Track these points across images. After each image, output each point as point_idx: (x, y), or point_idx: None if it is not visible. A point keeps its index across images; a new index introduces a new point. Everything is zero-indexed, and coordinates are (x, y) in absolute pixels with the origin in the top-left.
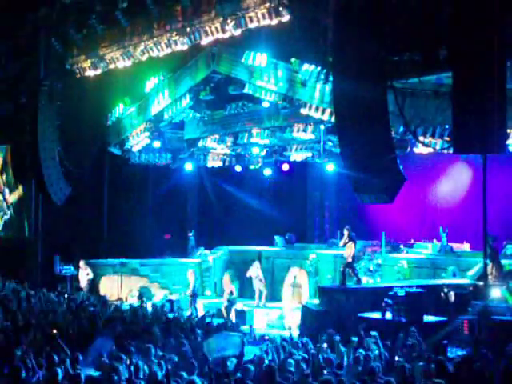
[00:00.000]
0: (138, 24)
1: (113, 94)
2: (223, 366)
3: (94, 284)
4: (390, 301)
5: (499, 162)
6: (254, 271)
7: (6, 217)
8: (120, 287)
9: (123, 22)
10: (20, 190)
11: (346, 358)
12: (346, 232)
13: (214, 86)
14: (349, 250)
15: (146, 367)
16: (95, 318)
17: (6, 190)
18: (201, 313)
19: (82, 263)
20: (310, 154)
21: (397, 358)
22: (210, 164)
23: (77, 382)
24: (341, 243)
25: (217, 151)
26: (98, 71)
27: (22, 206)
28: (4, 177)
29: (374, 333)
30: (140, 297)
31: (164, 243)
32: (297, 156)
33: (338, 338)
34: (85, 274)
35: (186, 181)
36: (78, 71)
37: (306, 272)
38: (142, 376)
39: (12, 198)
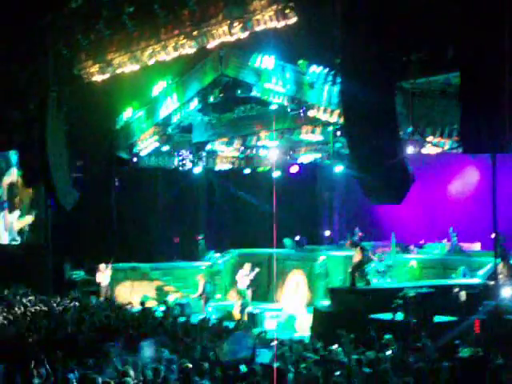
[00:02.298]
0: (145, 28)
1: (121, 99)
2: (235, 368)
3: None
4: (400, 301)
5: (509, 160)
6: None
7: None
8: (131, 292)
9: (130, 27)
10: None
11: (356, 359)
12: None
13: (221, 89)
14: (356, 257)
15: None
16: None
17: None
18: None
19: (102, 266)
20: (318, 156)
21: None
22: (218, 167)
23: None
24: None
25: (225, 154)
26: (106, 76)
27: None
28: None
29: (388, 336)
30: (142, 303)
31: (174, 247)
32: (305, 158)
33: (348, 339)
34: (107, 276)
35: (194, 184)
36: (85, 76)
37: (317, 274)
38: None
39: (21, 223)
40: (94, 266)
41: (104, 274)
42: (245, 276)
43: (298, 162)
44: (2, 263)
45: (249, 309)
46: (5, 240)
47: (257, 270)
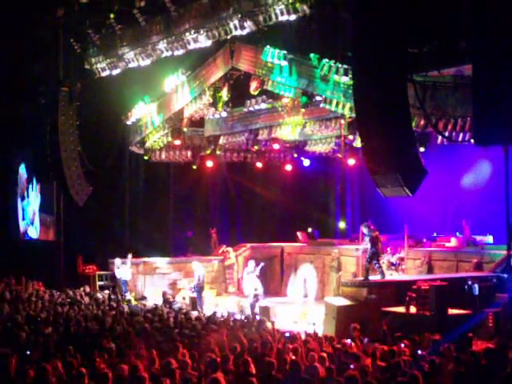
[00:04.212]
0: (155, 23)
1: (132, 93)
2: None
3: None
4: (413, 294)
5: None
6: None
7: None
8: (143, 286)
9: (141, 21)
10: None
11: (370, 353)
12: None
13: (233, 83)
14: (370, 247)
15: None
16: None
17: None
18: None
19: (117, 260)
20: (330, 149)
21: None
22: (230, 161)
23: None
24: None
25: (237, 148)
26: (117, 70)
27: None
28: None
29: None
30: (164, 295)
31: (186, 241)
32: (317, 151)
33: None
34: (128, 270)
35: (206, 178)
36: (97, 71)
37: (329, 267)
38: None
39: None
40: (107, 261)
41: (121, 269)
42: (250, 273)
43: (310, 155)
44: (16, 259)
45: (261, 302)
46: None
47: (262, 264)
